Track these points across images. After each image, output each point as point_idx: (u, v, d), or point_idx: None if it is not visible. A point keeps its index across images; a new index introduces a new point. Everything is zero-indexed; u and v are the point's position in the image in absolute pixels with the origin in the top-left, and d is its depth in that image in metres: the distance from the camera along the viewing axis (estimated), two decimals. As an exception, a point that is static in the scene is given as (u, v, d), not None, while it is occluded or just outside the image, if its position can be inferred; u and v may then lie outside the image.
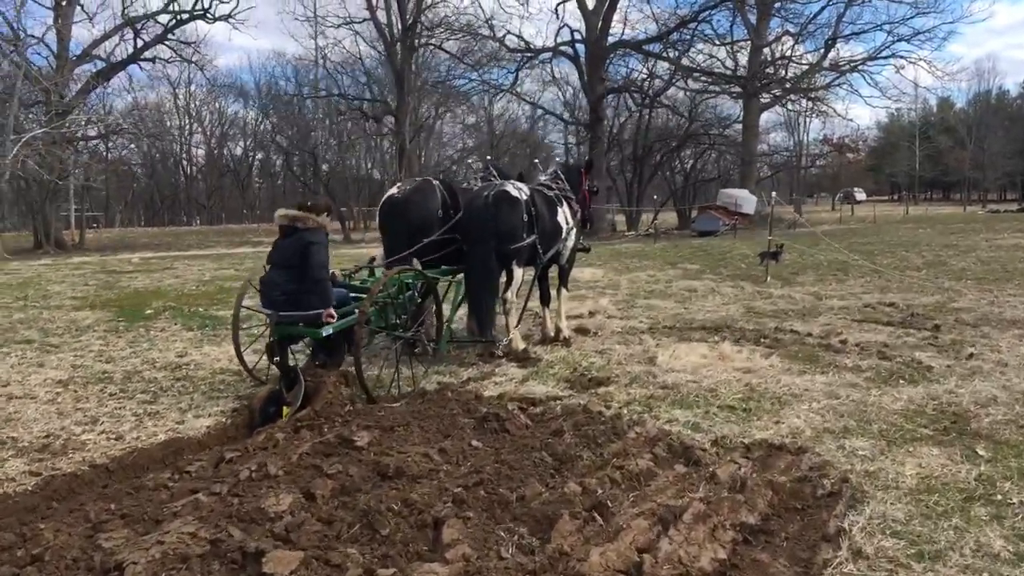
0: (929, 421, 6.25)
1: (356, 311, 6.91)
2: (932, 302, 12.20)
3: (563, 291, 9.98)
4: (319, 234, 6.72)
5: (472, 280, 8.60)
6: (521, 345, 8.73)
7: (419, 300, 7.79)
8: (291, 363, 6.73)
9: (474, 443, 5.58)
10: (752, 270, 17.40)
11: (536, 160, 10.84)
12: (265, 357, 6.89)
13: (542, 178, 10.05)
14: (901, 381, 7.50)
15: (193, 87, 71.61)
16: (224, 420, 6.29)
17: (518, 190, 8.75)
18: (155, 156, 74.59)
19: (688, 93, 41.89)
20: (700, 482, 4.92)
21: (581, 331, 10.18)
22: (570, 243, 9.79)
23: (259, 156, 79.31)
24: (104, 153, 62.52)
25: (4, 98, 36.09)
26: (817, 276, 16.18)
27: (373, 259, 7.65)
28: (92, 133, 47.42)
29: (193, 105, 75.38)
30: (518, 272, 8.74)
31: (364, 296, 7.13)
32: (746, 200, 37.63)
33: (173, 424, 6.18)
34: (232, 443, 5.74)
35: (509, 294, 8.65)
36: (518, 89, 42.77)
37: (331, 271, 6.98)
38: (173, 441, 5.76)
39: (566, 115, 45.46)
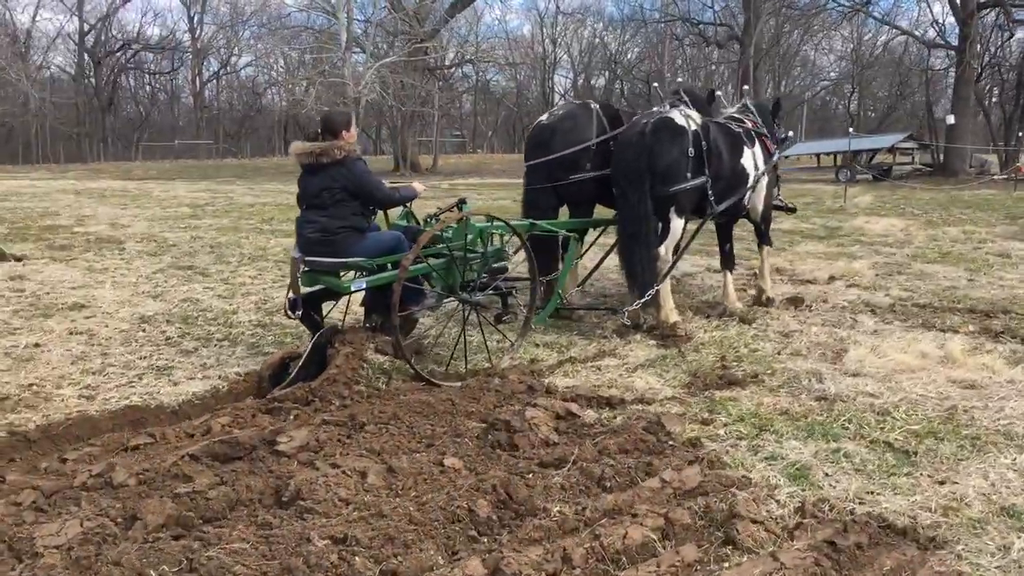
0: None
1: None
2: None
3: (765, 248, 7.92)
4: (355, 163, 5.54)
5: (623, 231, 6.89)
6: (673, 317, 6.87)
7: (509, 256, 6.30)
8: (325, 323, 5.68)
9: (448, 462, 4.12)
10: None
11: (718, 92, 8.61)
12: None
13: (729, 111, 7.96)
14: None
15: (560, 17, 71.95)
16: (222, 385, 5.35)
17: (686, 118, 6.83)
18: (521, 84, 76.70)
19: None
20: (686, 589, 3.09)
21: (794, 301, 8.01)
22: (762, 193, 7.63)
23: (621, 84, 78.36)
24: (474, 81, 65.99)
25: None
26: None
27: (463, 200, 6.26)
28: (447, 63, 49.99)
29: (562, 36, 75.81)
30: (676, 222, 6.85)
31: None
32: None
33: (168, 385, 5.38)
34: (211, 415, 4.79)
35: (662, 249, 6.81)
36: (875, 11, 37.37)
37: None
38: (135, 409, 4.92)
39: (932, 36, 38.95)
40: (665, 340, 6.61)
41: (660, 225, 6.74)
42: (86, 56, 63.75)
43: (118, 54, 65.44)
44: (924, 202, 19.71)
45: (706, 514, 3.65)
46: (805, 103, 63.62)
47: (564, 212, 7.77)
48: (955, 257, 10.86)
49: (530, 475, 3.90)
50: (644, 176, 6.63)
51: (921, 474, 4.18)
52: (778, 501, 3.86)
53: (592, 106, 7.48)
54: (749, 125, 7.62)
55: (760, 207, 7.72)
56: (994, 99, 42.35)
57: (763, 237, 7.93)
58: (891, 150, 32.06)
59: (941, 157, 31.65)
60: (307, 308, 5.66)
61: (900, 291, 8.63)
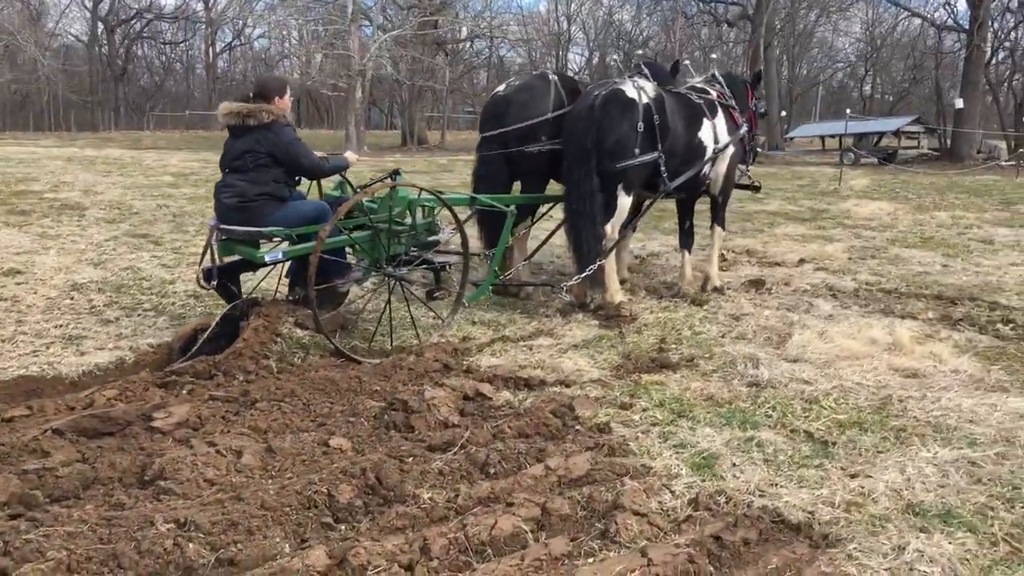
0: None
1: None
2: None
3: (717, 229, 7.60)
4: (283, 129, 5.35)
5: (569, 206, 6.65)
6: (618, 298, 6.65)
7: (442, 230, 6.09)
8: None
9: (334, 442, 3.94)
10: None
11: (686, 61, 8.35)
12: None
13: (693, 81, 7.68)
14: None
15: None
16: (129, 357, 5.18)
17: (638, 90, 6.56)
18: (536, 61, 75.75)
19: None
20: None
21: (755, 284, 7.78)
22: (723, 166, 7.35)
23: (630, 62, 76.91)
24: (488, 57, 65.40)
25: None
26: None
27: (397, 171, 6.04)
28: (461, 36, 49.57)
29: (577, 13, 74.60)
30: (624, 199, 6.59)
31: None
32: None
33: (74, 355, 5.20)
34: (98, 387, 4.60)
35: (608, 227, 6.58)
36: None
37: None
38: (30, 380, 4.75)
39: (944, 18, 38.14)
40: (608, 321, 6.40)
41: (607, 201, 6.50)
42: (99, 24, 63.60)
43: (132, 22, 65.23)
44: (922, 186, 19.34)
45: (588, 504, 3.45)
46: (820, 84, 62.78)
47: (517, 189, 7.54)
48: (936, 242, 10.57)
49: (410, 459, 3.71)
50: (591, 151, 6.39)
51: (833, 466, 3.96)
52: (673, 492, 3.65)
53: (551, 77, 7.23)
54: (713, 96, 7.35)
55: (720, 181, 7.42)
56: (1014, 83, 41.56)
57: (717, 216, 7.61)
58: (896, 134, 31.55)
59: (948, 142, 31.08)
60: (224, 278, 5.48)
61: (868, 275, 8.38)
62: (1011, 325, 6.51)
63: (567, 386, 4.95)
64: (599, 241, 6.43)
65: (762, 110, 8.55)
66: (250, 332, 4.94)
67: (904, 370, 5.35)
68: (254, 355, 4.86)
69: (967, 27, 31.03)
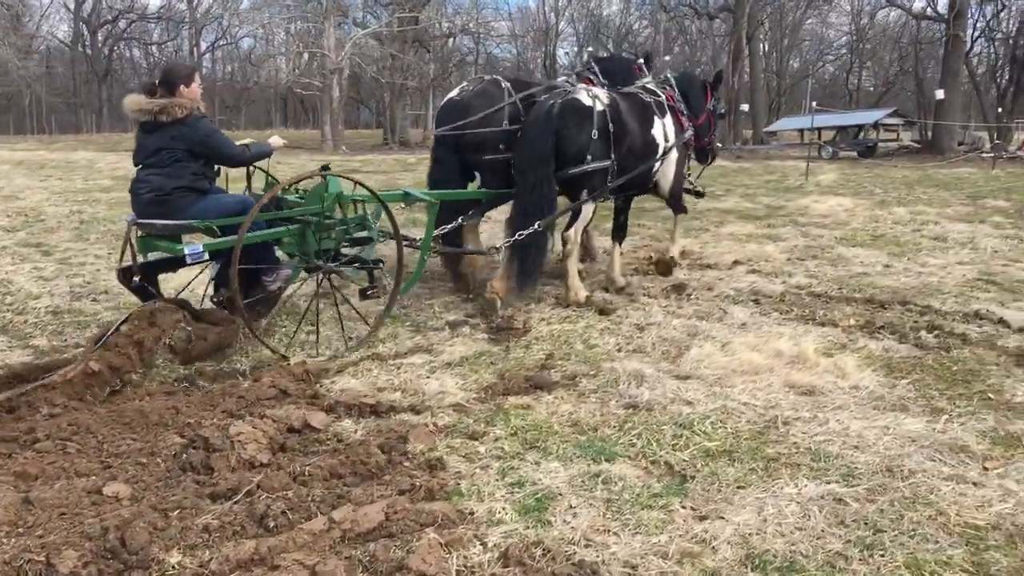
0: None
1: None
2: None
3: (680, 215, 8.02)
4: (199, 122, 5.16)
5: (517, 208, 6.54)
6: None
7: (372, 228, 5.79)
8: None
9: (109, 490, 3.44)
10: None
11: (640, 59, 8.06)
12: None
13: (644, 81, 7.42)
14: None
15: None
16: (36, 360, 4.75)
17: (592, 98, 6.46)
18: (524, 58, 75.08)
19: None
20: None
21: (676, 288, 7.32)
22: (670, 169, 7.30)
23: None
24: (475, 54, 64.95)
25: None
26: None
27: (326, 167, 5.73)
28: (440, 33, 49.03)
29: (565, 8, 73.80)
30: (588, 207, 6.76)
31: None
32: None
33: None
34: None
35: (571, 232, 6.64)
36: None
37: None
38: None
39: (922, 7, 37.49)
40: (498, 334, 5.93)
41: (555, 206, 6.58)
42: (82, 25, 63.05)
43: (118, 23, 64.71)
44: (893, 180, 18.84)
45: (371, 565, 2.96)
46: (811, 77, 62.27)
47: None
48: (885, 240, 10.07)
49: (177, 511, 3.22)
50: (549, 158, 6.33)
51: (684, 506, 3.48)
52: (485, 544, 3.16)
53: (503, 84, 6.94)
54: (663, 98, 7.25)
55: (667, 184, 7.43)
56: (1001, 73, 41.03)
57: (677, 208, 7.83)
58: (875, 127, 31.03)
59: (929, 134, 30.55)
60: (143, 278, 5.21)
61: (802, 278, 7.88)
62: (936, 332, 6.03)
63: (418, 412, 4.46)
64: (545, 244, 6.54)
65: (721, 111, 8.28)
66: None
67: (800, 387, 4.87)
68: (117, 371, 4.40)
69: (945, 16, 30.47)
